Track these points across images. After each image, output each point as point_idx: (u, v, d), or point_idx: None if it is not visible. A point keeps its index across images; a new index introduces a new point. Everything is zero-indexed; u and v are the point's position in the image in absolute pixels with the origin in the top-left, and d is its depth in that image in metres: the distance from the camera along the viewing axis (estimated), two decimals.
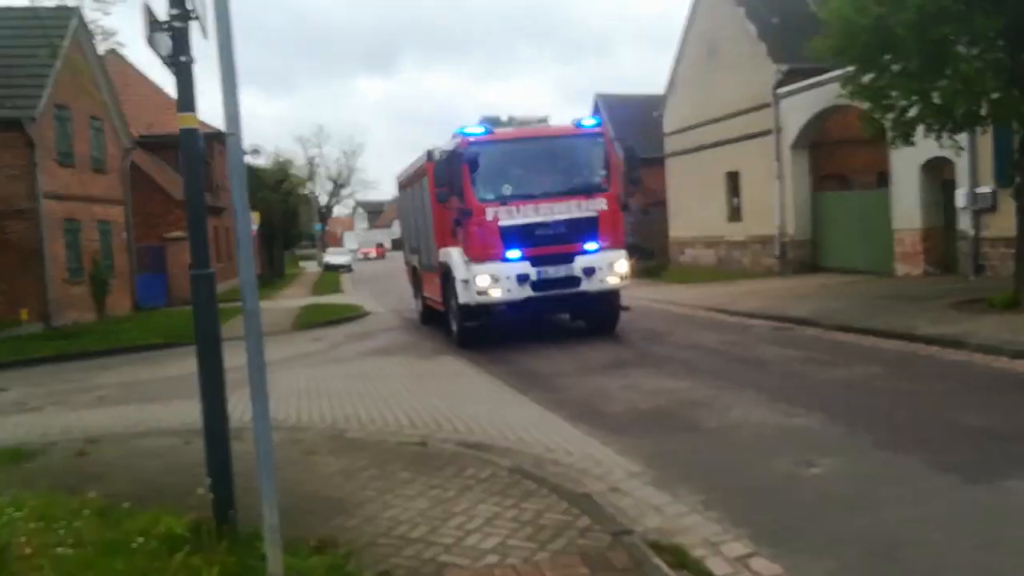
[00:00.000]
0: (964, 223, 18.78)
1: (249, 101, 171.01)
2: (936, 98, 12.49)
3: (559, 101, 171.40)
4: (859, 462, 6.09)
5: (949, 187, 19.60)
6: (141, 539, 4.56)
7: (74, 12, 19.18)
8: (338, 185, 73.17)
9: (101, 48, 23.08)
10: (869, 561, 4.34)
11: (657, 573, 4.23)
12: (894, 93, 13.02)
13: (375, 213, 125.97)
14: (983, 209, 18.15)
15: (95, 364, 14.93)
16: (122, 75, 31.36)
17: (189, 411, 9.56)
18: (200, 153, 4.74)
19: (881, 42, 12.51)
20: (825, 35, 13.61)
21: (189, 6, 4.44)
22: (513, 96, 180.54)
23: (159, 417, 9.39)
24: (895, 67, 13.12)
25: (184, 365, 13.85)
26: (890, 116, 13.61)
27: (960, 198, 18.69)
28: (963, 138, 14.71)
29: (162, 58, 4.46)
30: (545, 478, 5.94)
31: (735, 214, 28.20)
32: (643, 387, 9.42)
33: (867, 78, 13.49)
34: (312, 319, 19.60)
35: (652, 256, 31.79)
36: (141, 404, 10.30)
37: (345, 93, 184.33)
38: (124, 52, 29.76)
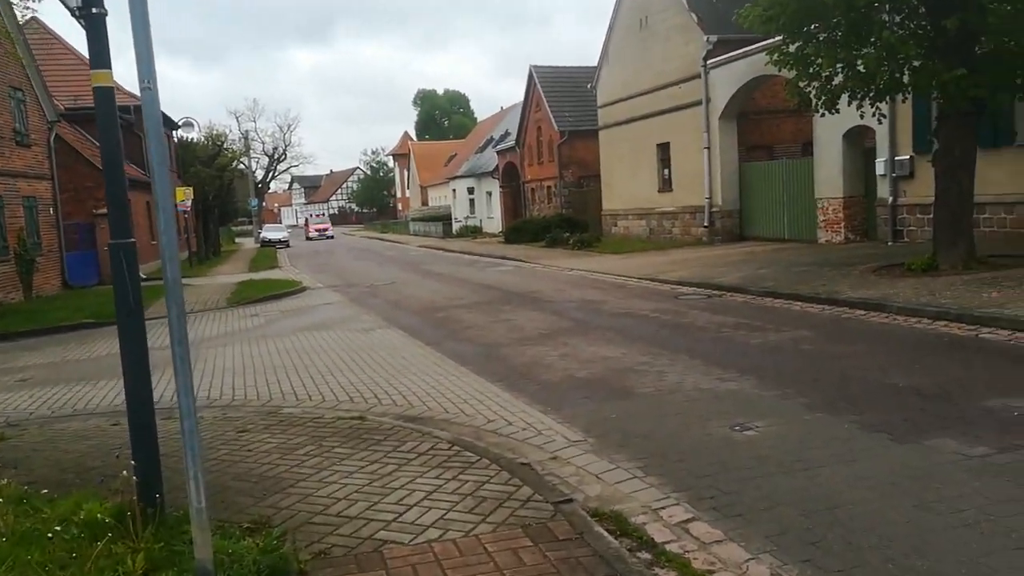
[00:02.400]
0: (883, 190, 19.38)
1: (178, 72, 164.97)
2: (860, 66, 12.77)
3: (496, 72, 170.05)
4: (792, 424, 6.20)
5: (869, 155, 20.19)
6: (59, 527, 4.32)
7: None
8: (274, 160, 71.57)
9: (20, 15, 21.82)
10: (807, 522, 4.40)
11: (599, 542, 4.22)
12: (820, 61, 13.24)
13: (312, 188, 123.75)
14: (901, 176, 18.77)
15: (19, 345, 14.25)
16: (45, 45, 29.90)
17: (117, 391, 9.25)
18: (115, 113, 4.45)
19: (808, 10, 12.70)
20: (754, 4, 13.75)
21: None
22: (450, 67, 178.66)
23: (86, 398, 9.02)
24: (821, 36, 13.36)
25: (112, 344, 13.42)
26: (815, 84, 13.87)
27: (880, 166, 19.28)
28: (883, 107, 15.08)
29: (71, 10, 4.16)
30: (486, 449, 5.89)
31: (666, 185, 28.52)
32: (580, 355, 9.44)
33: (794, 47, 13.70)
34: (248, 295, 19.11)
35: (586, 229, 31.97)
36: (68, 385, 9.84)
37: (278, 64, 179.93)
38: (47, 21, 28.22)
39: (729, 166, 25.28)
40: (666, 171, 28.51)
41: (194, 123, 35.05)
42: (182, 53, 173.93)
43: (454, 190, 57.97)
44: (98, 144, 18.70)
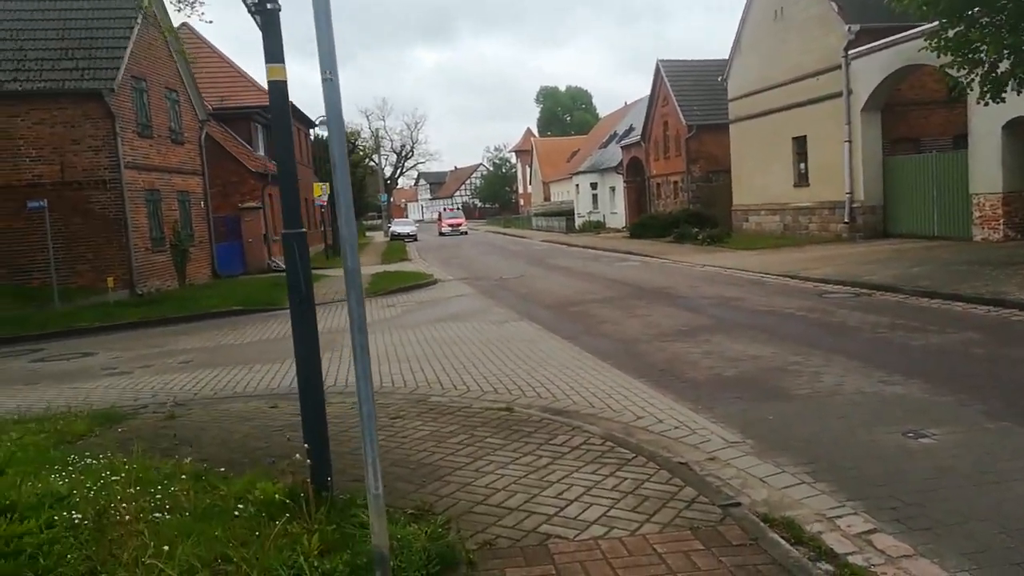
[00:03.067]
0: None
1: (305, 72, 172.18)
2: None
3: (616, 67, 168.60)
4: (972, 433, 5.74)
5: None
6: (239, 505, 4.48)
7: None
8: (402, 156, 73.76)
9: (176, 20, 23.33)
10: (1008, 540, 4.03)
11: (776, 549, 4.00)
12: (984, 47, 12.32)
13: (437, 184, 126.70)
14: None
15: (177, 330, 15.16)
16: (194, 49, 31.83)
17: (272, 375, 9.68)
18: (288, 106, 4.55)
19: None
20: None
21: None
22: (569, 62, 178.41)
23: (243, 381, 9.44)
24: (984, 20, 12.43)
25: (263, 330, 14.13)
26: (978, 72, 12.92)
27: None
28: None
29: (248, 6, 4.28)
30: (639, 446, 5.73)
31: (802, 179, 27.39)
32: (724, 353, 9.13)
33: (954, 32, 12.80)
34: (384, 286, 19.67)
35: (715, 224, 31.15)
36: (225, 368, 10.36)
37: (403, 64, 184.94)
38: (196, 26, 30.00)
39: (872, 160, 23.99)
40: (802, 165, 27.37)
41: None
42: (306, 54, 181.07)
43: (577, 185, 57.77)
44: (242, 142, 19.75)
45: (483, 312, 14.35)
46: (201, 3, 16.31)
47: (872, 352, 8.66)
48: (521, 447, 5.80)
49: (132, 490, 4.76)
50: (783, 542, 4.11)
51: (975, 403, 6.45)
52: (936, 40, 13.10)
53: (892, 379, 7.38)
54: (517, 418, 6.62)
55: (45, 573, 3.73)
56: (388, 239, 56.68)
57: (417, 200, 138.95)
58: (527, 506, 4.69)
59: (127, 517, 4.39)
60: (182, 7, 15.93)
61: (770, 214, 29.47)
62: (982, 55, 12.58)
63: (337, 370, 9.47)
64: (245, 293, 19.51)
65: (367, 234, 70.03)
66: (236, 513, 4.38)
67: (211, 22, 52.47)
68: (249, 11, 4.26)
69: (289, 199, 4.55)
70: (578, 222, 53.25)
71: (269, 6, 4.25)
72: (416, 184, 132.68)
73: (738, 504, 4.64)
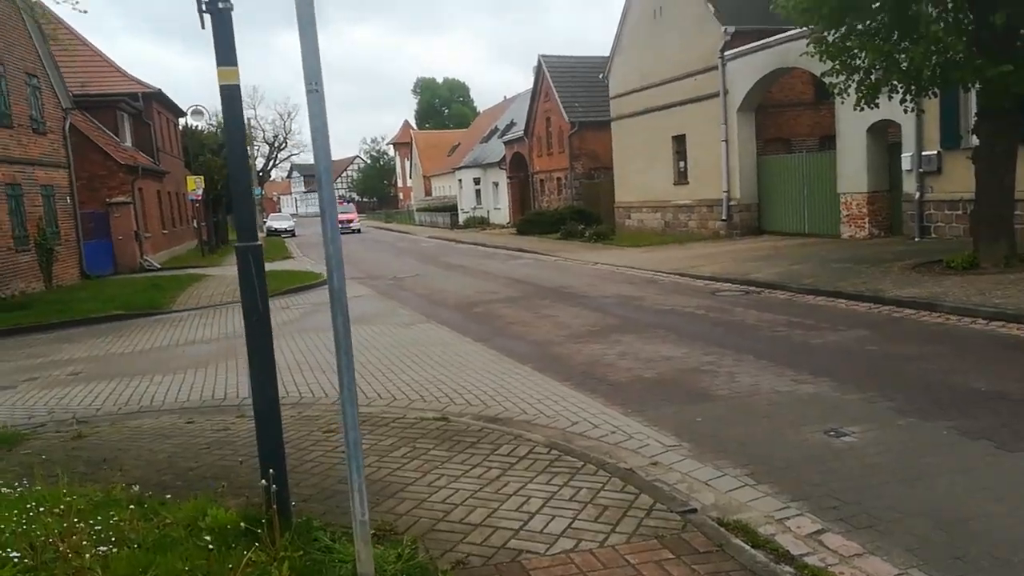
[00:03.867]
0: (909, 186, 19.35)
1: (170, 55, 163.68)
2: (903, 61, 12.69)
3: (491, 58, 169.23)
4: (888, 429, 6.16)
5: (894, 150, 20.16)
6: (196, 533, 4.26)
7: None
8: (275, 148, 71.12)
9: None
10: (945, 536, 4.36)
11: (742, 555, 4.17)
12: (863, 54, 13.14)
13: (311, 176, 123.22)
14: (928, 172, 18.73)
15: (56, 337, 14.14)
16: (51, 31, 29.64)
17: (176, 387, 9.21)
18: (241, 111, 4.33)
19: (850, 3, 12.61)
20: None
21: None
22: (444, 53, 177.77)
23: (147, 394, 8.93)
24: (860, 27, 13.25)
25: (151, 337, 13.39)
26: (855, 78, 13.77)
27: (906, 161, 19.23)
28: (920, 101, 14.98)
29: (198, 4, 4.05)
30: (586, 454, 5.83)
31: (682, 178, 28.43)
32: (639, 355, 9.39)
33: (832, 37, 13.60)
34: (273, 287, 18.95)
35: (599, 221, 31.90)
36: (122, 379, 9.75)
37: (270, 49, 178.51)
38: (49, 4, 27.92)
39: (747, 159, 25.21)
40: (682, 163, 28.42)
41: (203, 111, 34.78)
42: (172, 35, 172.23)
43: (460, 180, 57.79)
44: (108, 131, 18.71)
45: (387, 314, 14.16)
46: None
47: (777, 351, 9.13)
48: (468, 459, 5.78)
49: (67, 523, 4.45)
50: (747, 547, 4.29)
51: (882, 400, 6.92)
52: (819, 45, 13.85)
53: (802, 378, 7.82)
54: (455, 428, 6.59)
55: None
56: (264, 235, 54.89)
57: (291, 193, 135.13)
58: (491, 521, 4.69)
59: (70, 553, 4.11)
60: None
61: (652, 211, 30.45)
62: (859, 61, 13.43)
63: (237, 381, 9.10)
64: (123, 295, 18.42)
65: None
66: (194, 543, 4.16)
67: (85, 12, 48.83)
68: (200, 10, 4.02)
69: (243, 209, 4.34)
70: (462, 218, 53.31)
71: (221, 5, 4.03)
72: (289, 176, 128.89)
73: (694, 510, 4.80)
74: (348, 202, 65.04)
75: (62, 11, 33.29)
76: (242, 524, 4.24)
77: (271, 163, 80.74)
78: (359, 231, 52.80)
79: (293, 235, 53.10)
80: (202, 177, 33.37)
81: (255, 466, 5.09)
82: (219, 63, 4.26)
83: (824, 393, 7.28)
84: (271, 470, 4.26)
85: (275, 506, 4.21)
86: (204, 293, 19.21)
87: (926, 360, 8.30)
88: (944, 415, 6.39)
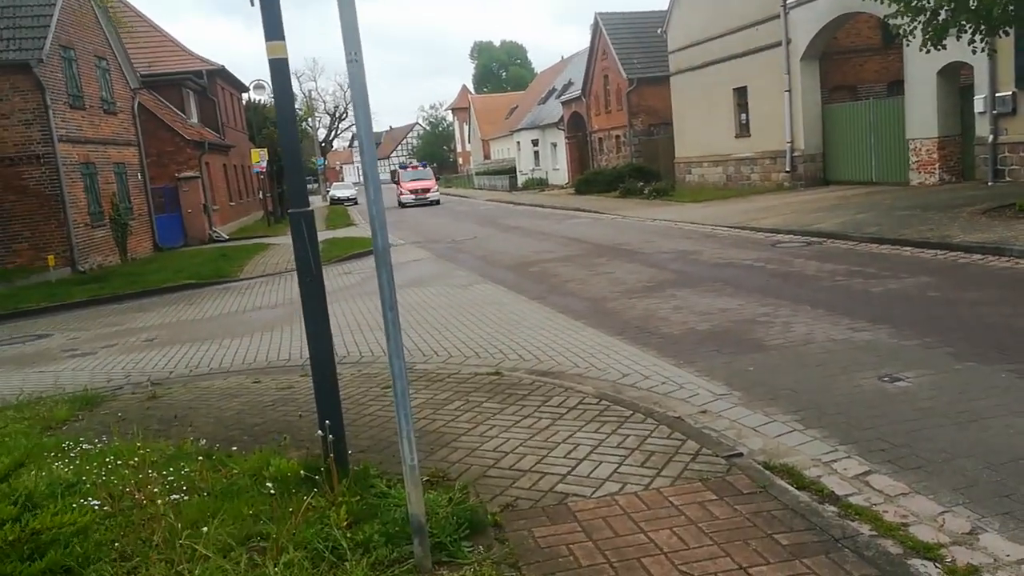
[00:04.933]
0: (982, 129, 18.58)
1: (233, 33, 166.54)
2: (972, 1, 12.16)
3: (549, 19, 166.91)
4: (944, 374, 6.08)
5: (965, 93, 19.36)
6: (260, 482, 4.52)
7: None
8: (336, 118, 71.88)
9: None
10: (994, 475, 4.33)
11: (786, 495, 4.22)
12: None
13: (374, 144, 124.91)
14: (1003, 113, 17.94)
15: (131, 306, 14.83)
16: (117, 13, 30.55)
17: (244, 349, 9.60)
18: (290, 84, 4.50)
19: None
20: None
21: None
22: (501, 16, 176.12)
23: (216, 357, 9.35)
24: None
25: (220, 304, 13.92)
26: (920, 19, 13.27)
27: (979, 103, 18.46)
28: (972, 41, 14.32)
29: None
30: (634, 403, 5.92)
31: (743, 130, 27.86)
32: (694, 308, 9.38)
33: None
34: (336, 253, 19.47)
35: (659, 178, 31.54)
36: (193, 344, 10.22)
37: (327, 20, 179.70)
38: None
39: (812, 109, 24.53)
40: (743, 116, 27.82)
41: (265, 85, 35.37)
42: (235, 12, 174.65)
43: (518, 142, 57.61)
44: (174, 108, 19.25)
45: (445, 276, 14.39)
46: None
47: (835, 300, 9.01)
48: (519, 410, 5.93)
49: (142, 474, 4.76)
50: (791, 488, 4.34)
51: (940, 346, 6.81)
52: None
53: (859, 326, 7.72)
54: (508, 382, 6.75)
55: (83, 564, 3.72)
56: (328, 204, 55.88)
57: (353, 162, 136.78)
58: (539, 467, 4.83)
59: (145, 501, 4.40)
60: None
61: (713, 166, 29.96)
62: (925, 2, 12.92)
63: (302, 343, 9.41)
64: (193, 266, 19.14)
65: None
66: (258, 490, 4.41)
67: None
68: None
69: (295, 178, 4.52)
70: (521, 180, 53.25)
71: None
72: (351, 146, 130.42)
73: (740, 454, 4.86)
74: (423, 166, 48.66)
75: None
76: (302, 472, 4.47)
77: (333, 133, 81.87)
78: (438, 202, 43.01)
79: (356, 203, 53.92)
80: (266, 149, 34.08)
81: (315, 420, 5.35)
82: (267, 38, 4.41)
83: (880, 340, 7.19)
84: (327, 421, 4.48)
85: (332, 455, 4.43)
86: (269, 261, 19.78)
87: (990, 304, 8.09)
88: (1004, 358, 6.26)
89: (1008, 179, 17.91)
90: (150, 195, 25.91)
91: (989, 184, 18.02)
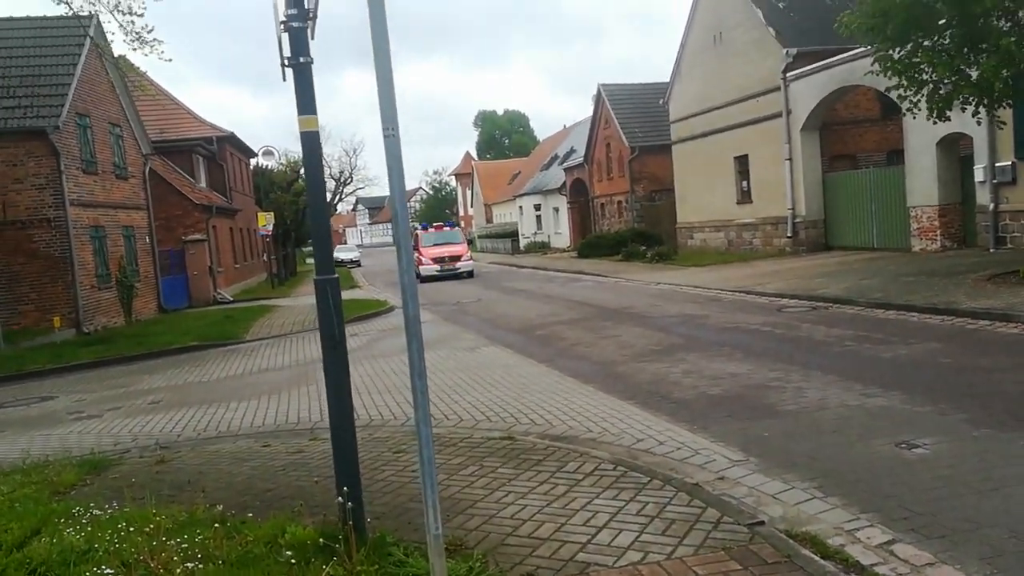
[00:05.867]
0: (983, 197, 18.82)
1: (240, 99, 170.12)
2: (974, 74, 12.46)
3: (551, 88, 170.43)
4: (961, 441, 6.04)
5: (964, 162, 19.67)
6: (277, 550, 4.45)
7: (91, 20, 18.86)
8: (341, 183, 72.85)
9: (120, 51, 22.96)
10: (1020, 545, 4.27)
11: (812, 565, 4.16)
12: (930, 69, 12.95)
13: (375, 208, 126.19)
14: (1003, 182, 18.19)
15: (136, 368, 14.79)
16: (131, 81, 31.22)
17: (252, 413, 9.55)
18: (320, 156, 4.60)
19: (916, 20, 12.45)
20: (854, 12, 13.53)
21: (307, 5, 4.31)
22: (505, 86, 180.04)
23: (224, 420, 9.30)
24: (926, 43, 13.08)
25: (226, 366, 13.89)
26: (924, 92, 13.56)
27: (979, 172, 18.74)
28: (997, 113, 14.60)
29: (282, 59, 4.34)
30: (652, 469, 5.87)
31: (744, 196, 28.21)
32: (703, 372, 9.37)
33: (899, 54, 13.44)
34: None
35: (660, 242, 31.80)
36: (199, 407, 10.17)
37: (335, 89, 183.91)
38: (131, 57, 29.48)
39: (812, 176, 24.90)
40: (744, 183, 28.20)
41: (274, 151, 36.14)
42: (242, 81, 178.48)
43: (520, 207, 58.23)
44: (183, 173, 19.59)
45: (451, 338, 14.39)
46: (160, 42, 16.08)
47: (846, 366, 8.99)
48: (535, 476, 5.87)
49: (155, 541, 4.69)
50: (816, 557, 4.27)
51: (955, 412, 6.78)
52: (885, 63, 13.69)
53: (872, 391, 7.70)
54: (521, 447, 6.70)
55: None
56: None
57: (356, 225, 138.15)
58: (558, 535, 4.77)
59: (160, 569, 4.34)
60: (139, 47, 15.65)
61: (714, 231, 30.23)
62: (926, 76, 13.23)
63: (310, 406, 9.39)
64: (198, 328, 19.15)
65: (307, 261, 69.41)
66: (274, 558, 4.35)
67: (170, 60, 51.28)
68: (282, 65, 4.31)
69: (322, 247, 4.57)
70: (523, 243, 53.64)
71: (302, 60, 4.31)
72: (354, 209, 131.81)
73: (762, 523, 4.80)
74: (450, 226, 37.82)
75: (145, 62, 35.07)
76: (320, 540, 4.42)
77: (337, 197, 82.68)
78: (471, 275, 31.59)
79: (359, 265, 54.28)
80: (272, 213, 34.47)
81: (330, 486, 5.31)
82: (300, 112, 4.54)
83: (895, 406, 7.16)
84: (346, 488, 4.44)
85: (351, 522, 4.38)
86: (275, 323, 19.80)
87: (1002, 371, 8.08)
88: (1021, 427, 6.22)
89: (1010, 246, 18.06)
90: (157, 257, 26.09)
91: (991, 251, 18.16)
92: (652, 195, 36.95)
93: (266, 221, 33.26)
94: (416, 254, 31.17)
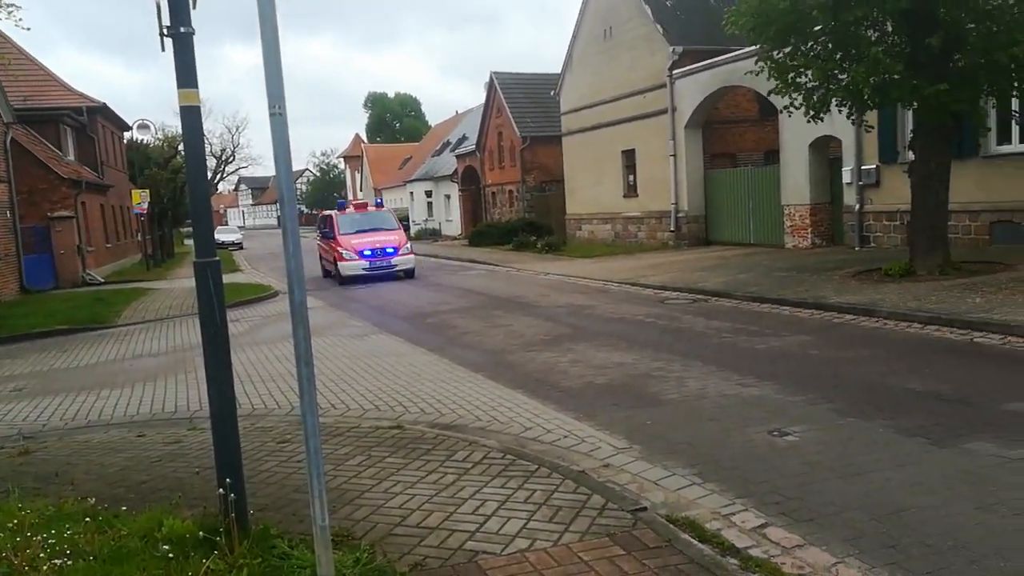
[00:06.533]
0: (850, 198, 20.00)
1: (113, 70, 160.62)
2: (846, 80, 13.18)
3: (443, 73, 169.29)
4: (828, 430, 6.42)
5: (835, 164, 20.83)
6: (153, 544, 4.27)
7: None
8: (222, 161, 69.95)
9: None
10: (880, 526, 4.58)
11: (691, 549, 4.33)
12: (809, 73, 13.62)
13: (259, 189, 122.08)
14: (868, 184, 19.38)
15: None
16: None
17: (124, 401, 9.10)
18: (201, 132, 4.41)
19: (795, 24, 13.06)
20: (739, 12, 14.02)
21: None
22: (396, 67, 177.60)
23: (94, 408, 8.81)
24: (803, 47, 13.75)
25: (96, 351, 13.16)
26: (801, 94, 14.24)
27: (847, 174, 19.89)
28: (841, 119, 15.50)
29: (161, 28, 4.12)
30: (539, 457, 5.96)
31: (631, 190, 28.91)
32: (591, 362, 9.57)
33: (779, 55, 14.06)
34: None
35: (550, 233, 32.22)
36: (67, 395, 9.59)
37: (216, 62, 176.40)
38: None
39: (695, 173, 25.78)
40: (631, 177, 28.91)
41: (149, 125, 34.32)
42: (115, 50, 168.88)
43: (411, 193, 57.72)
44: (50, 145, 18.36)
45: (339, 325, 14.14)
46: (16, 7, 14.94)
47: (724, 356, 9.39)
48: (424, 465, 5.86)
49: (20, 537, 4.42)
50: (695, 541, 4.45)
51: (822, 402, 7.20)
52: (766, 63, 14.28)
53: (748, 382, 8.07)
54: (410, 436, 6.67)
55: None
56: None
57: (238, 206, 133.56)
58: (447, 524, 4.78)
59: (26, 567, 4.10)
60: None
61: (602, 223, 30.88)
62: (804, 79, 13.90)
63: (188, 394, 9.04)
64: (65, 310, 18.05)
65: (185, 242, 66.56)
66: (151, 553, 4.17)
67: (28, 29, 48.20)
68: (161, 35, 4.09)
69: (203, 227, 4.38)
70: (414, 230, 53.19)
71: (183, 29, 4.10)
72: (237, 189, 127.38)
73: (645, 508, 4.95)
74: (378, 205, 29.14)
75: (2, 26, 32.63)
76: (200, 533, 4.27)
77: (218, 176, 79.65)
78: (411, 274, 22.89)
79: (241, 247, 52.50)
80: (148, 191, 32.83)
81: (210, 477, 5.13)
82: (180, 86, 4.32)
83: (768, 396, 7.53)
84: (228, 479, 4.30)
85: (233, 515, 4.25)
86: (151, 307, 18.91)
87: (865, 363, 8.63)
88: (881, 414, 6.67)
89: (873, 244, 19.28)
90: (19, 234, 24.41)
91: (857, 249, 19.33)
92: (543, 186, 37.37)
93: (141, 199, 31.65)
94: (329, 244, 23.65)
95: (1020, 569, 3.99)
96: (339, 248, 22.44)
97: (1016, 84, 12.90)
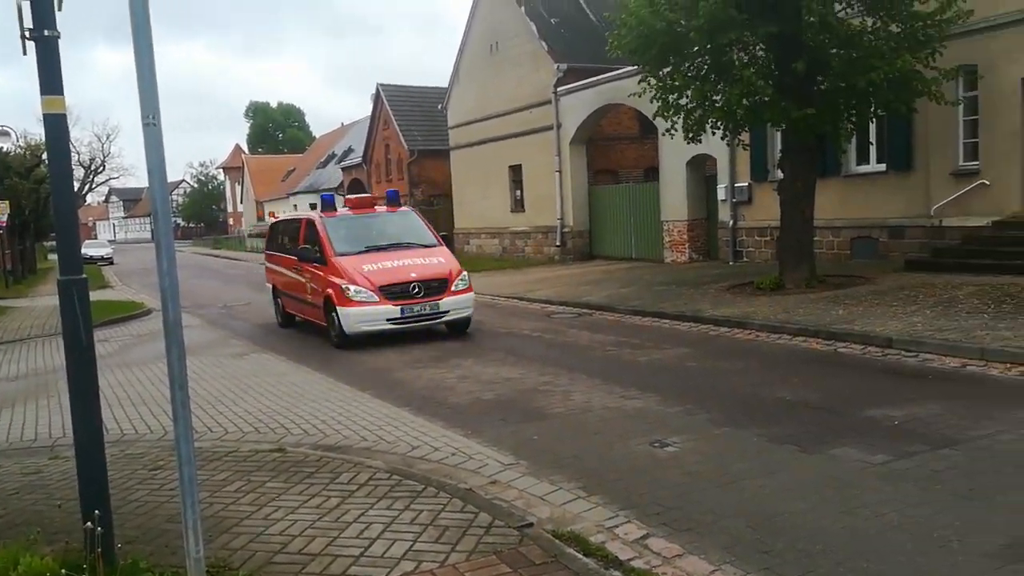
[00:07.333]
0: (724, 214, 20.91)
1: None
2: (719, 100, 13.78)
3: (327, 83, 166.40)
4: (705, 440, 6.64)
5: (711, 182, 21.74)
6: None
7: None
8: (91, 171, 66.07)
9: None
10: (754, 533, 4.77)
11: (576, 563, 4.38)
12: (687, 94, 14.17)
13: (132, 201, 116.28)
14: (741, 202, 20.33)
15: None
16: None
17: None
18: (67, 142, 4.15)
19: (673, 45, 13.58)
20: (622, 34, 14.44)
21: None
22: (278, 76, 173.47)
23: None
24: (682, 67, 14.31)
25: None
26: (679, 114, 14.78)
27: (721, 192, 20.81)
28: (716, 138, 16.24)
29: (23, 31, 3.87)
30: (427, 476, 5.90)
31: (518, 205, 29.24)
32: (479, 377, 9.58)
33: (656, 78, 14.57)
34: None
35: None
36: None
37: (85, 66, 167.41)
38: None
39: (579, 189, 26.34)
40: (518, 192, 29.25)
41: (10, 132, 31.99)
42: None
43: (295, 205, 56.21)
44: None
45: (218, 344, 13.62)
46: None
47: (608, 369, 9.59)
48: (306, 489, 5.70)
49: None
50: (580, 555, 4.50)
51: (700, 412, 7.45)
52: (648, 83, 14.76)
53: (630, 394, 8.27)
54: (292, 459, 6.47)
55: None
56: None
57: (108, 218, 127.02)
58: (330, 550, 4.65)
59: None
60: None
61: (490, 237, 31.07)
62: (683, 100, 14.45)
63: (50, 420, 8.49)
64: None
65: (48, 257, 62.73)
66: None
67: None
68: (22, 38, 3.83)
69: (68, 242, 4.13)
70: None
71: (47, 33, 3.86)
72: (107, 201, 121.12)
73: (531, 524, 4.98)
74: (392, 196, 15.25)
75: None
76: (62, 571, 3.98)
77: (87, 187, 75.48)
78: (466, 325, 13.29)
79: (111, 263, 49.84)
80: (7, 202, 30.67)
81: (73, 509, 4.83)
82: (43, 92, 4.07)
83: (650, 407, 7.74)
84: (96, 511, 4.05)
85: (99, 549, 3.99)
86: (10, 326, 17.69)
87: (739, 374, 9.00)
88: (754, 423, 6.96)
89: (746, 259, 20.21)
90: None
91: (731, 263, 20.22)
92: (431, 199, 37.24)
93: (0, 211, 29.54)
94: (310, 272, 13.78)
95: (881, 570, 4.23)
96: (337, 280, 12.73)
97: (872, 108, 13.84)
